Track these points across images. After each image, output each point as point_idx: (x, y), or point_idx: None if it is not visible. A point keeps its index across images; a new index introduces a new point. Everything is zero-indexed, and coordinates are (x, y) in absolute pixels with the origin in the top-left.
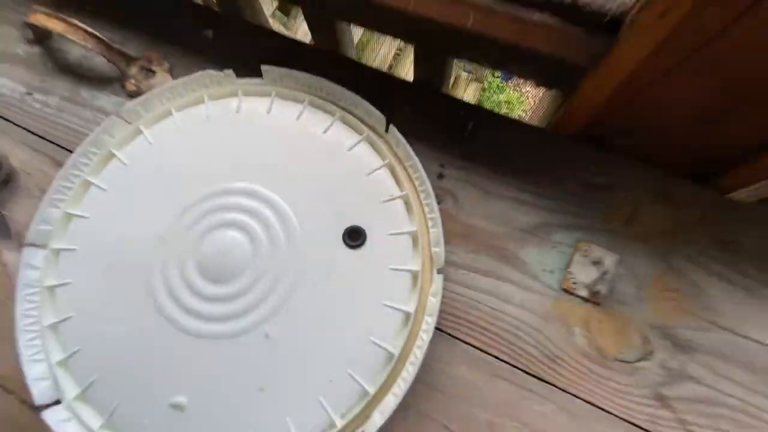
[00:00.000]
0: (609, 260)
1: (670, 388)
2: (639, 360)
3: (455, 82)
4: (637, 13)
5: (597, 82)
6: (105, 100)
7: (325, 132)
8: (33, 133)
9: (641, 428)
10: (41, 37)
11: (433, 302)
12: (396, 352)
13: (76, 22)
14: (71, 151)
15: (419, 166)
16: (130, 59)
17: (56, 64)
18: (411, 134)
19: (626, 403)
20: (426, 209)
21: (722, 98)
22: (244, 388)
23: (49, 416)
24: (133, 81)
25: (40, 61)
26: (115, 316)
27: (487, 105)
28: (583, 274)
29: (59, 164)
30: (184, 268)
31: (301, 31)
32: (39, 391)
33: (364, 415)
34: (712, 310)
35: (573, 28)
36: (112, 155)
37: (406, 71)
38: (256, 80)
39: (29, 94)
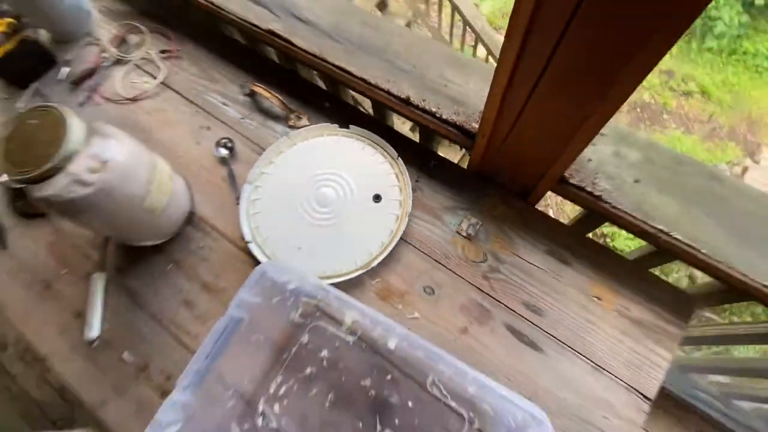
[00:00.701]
0: (476, 223)
1: (491, 275)
2: (481, 263)
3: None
4: (478, 132)
5: (474, 151)
6: (279, 128)
7: (372, 156)
8: (246, 137)
9: (475, 286)
10: (251, 93)
11: (403, 227)
12: (387, 242)
13: (269, 90)
14: (264, 148)
15: (407, 176)
16: (290, 110)
17: (256, 106)
18: (405, 161)
19: (473, 277)
20: (408, 193)
21: (513, 164)
22: (329, 241)
23: (251, 246)
24: (291, 121)
25: (249, 104)
26: (278, 214)
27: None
28: (465, 226)
29: (258, 153)
30: (310, 199)
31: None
32: (245, 237)
33: (373, 260)
34: (515, 248)
35: (456, 131)
36: (281, 152)
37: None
38: (347, 130)
39: (243, 119)
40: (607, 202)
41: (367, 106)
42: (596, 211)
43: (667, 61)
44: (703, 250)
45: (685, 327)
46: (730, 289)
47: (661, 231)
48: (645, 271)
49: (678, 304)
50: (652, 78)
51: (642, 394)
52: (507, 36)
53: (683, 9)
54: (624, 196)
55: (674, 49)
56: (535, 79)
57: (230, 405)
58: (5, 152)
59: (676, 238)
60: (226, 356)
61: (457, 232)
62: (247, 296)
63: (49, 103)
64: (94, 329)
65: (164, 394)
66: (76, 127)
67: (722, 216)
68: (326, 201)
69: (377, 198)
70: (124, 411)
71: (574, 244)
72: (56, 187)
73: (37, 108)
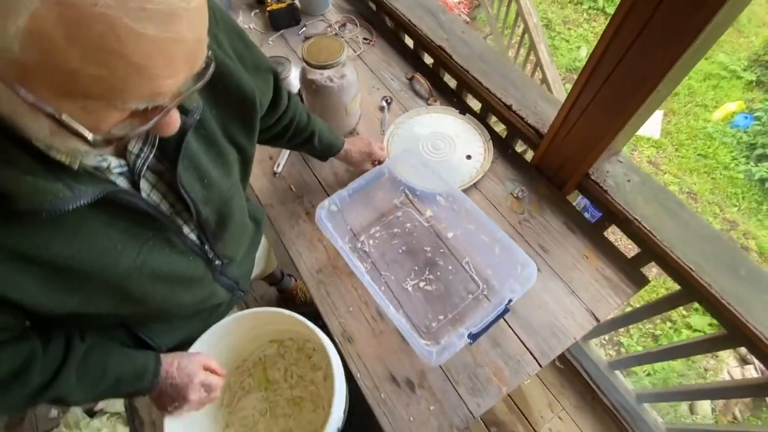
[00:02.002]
0: (524, 191)
1: (524, 222)
2: (520, 214)
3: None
4: (546, 135)
5: (539, 149)
6: (420, 102)
7: (473, 134)
8: (399, 101)
9: (512, 225)
10: (411, 78)
11: (478, 177)
12: (467, 182)
13: (423, 78)
14: (407, 110)
15: (492, 152)
16: (431, 95)
17: (411, 86)
18: (493, 145)
19: (512, 219)
20: (488, 161)
21: (559, 161)
22: (434, 170)
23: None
24: (429, 101)
25: (408, 84)
26: (404, 146)
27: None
28: (516, 191)
29: (403, 112)
30: (427, 144)
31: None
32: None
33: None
34: (543, 213)
35: (533, 131)
36: (418, 114)
37: None
38: (462, 116)
39: (401, 90)
40: (608, 194)
41: (475, 106)
42: (600, 202)
43: (734, 212)
44: (664, 242)
45: (634, 292)
46: (684, 288)
47: (636, 219)
48: (614, 248)
49: (636, 278)
50: (715, 222)
51: (594, 315)
52: (578, 79)
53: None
54: (620, 194)
55: (743, 204)
56: (587, 102)
57: (345, 231)
58: (307, 51)
59: (643, 225)
60: (350, 207)
61: (511, 193)
62: (375, 179)
63: (336, 35)
64: (280, 167)
65: (307, 214)
66: (344, 52)
67: (684, 225)
68: (437, 147)
69: (469, 157)
70: (282, 215)
71: (582, 225)
72: (323, 77)
73: (328, 35)
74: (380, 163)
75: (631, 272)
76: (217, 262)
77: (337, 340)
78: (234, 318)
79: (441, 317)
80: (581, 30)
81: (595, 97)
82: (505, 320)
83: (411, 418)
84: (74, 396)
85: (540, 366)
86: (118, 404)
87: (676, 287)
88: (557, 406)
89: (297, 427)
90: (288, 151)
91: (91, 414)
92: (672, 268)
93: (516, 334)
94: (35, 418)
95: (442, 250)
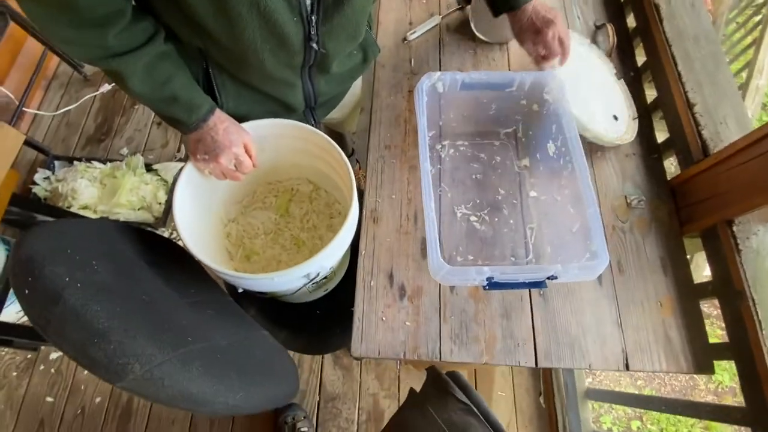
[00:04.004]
0: (642, 203)
1: (619, 232)
2: (623, 223)
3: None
4: (712, 154)
5: (689, 169)
6: (598, 51)
7: (627, 106)
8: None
9: (604, 227)
10: (601, 25)
11: (613, 146)
12: (605, 140)
13: (613, 31)
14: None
15: (634, 135)
16: (611, 52)
17: (593, 34)
18: (639, 135)
19: (609, 222)
20: (627, 138)
21: (702, 195)
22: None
23: None
24: (606, 53)
25: (591, 33)
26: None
27: None
28: (634, 199)
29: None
30: (585, 89)
31: None
32: None
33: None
34: (645, 237)
35: (698, 141)
36: (590, 55)
37: None
38: (624, 84)
39: (580, 35)
40: (740, 255)
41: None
42: (722, 261)
43: None
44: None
45: (688, 372)
46: None
47: (752, 297)
48: (701, 321)
49: (701, 361)
50: None
51: (627, 360)
52: None
53: None
54: (751, 262)
55: None
56: None
57: (434, 123)
58: None
59: (755, 309)
60: (454, 99)
61: (625, 196)
62: (502, 84)
63: None
64: (414, 35)
65: (409, 92)
66: None
67: None
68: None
69: (616, 117)
70: (386, 80)
71: (679, 275)
72: None
73: None
74: (548, 53)
75: (700, 353)
76: (314, 45)
77: (364, 213)
78: (292, 124)
79: (471, 257)
80: None
81: None
82: (529, 299)
83: (383, 318)
84: (133, 81)
85: (535, 365)
86: (170, 174)
87: (734, 405)
88: (514, 429)
89: (286, 261)
90: (433, 23)
91: (149, 169)
92: (752, 378)
93: (532, 320)
94: (111, 146)
95: (514, 202)
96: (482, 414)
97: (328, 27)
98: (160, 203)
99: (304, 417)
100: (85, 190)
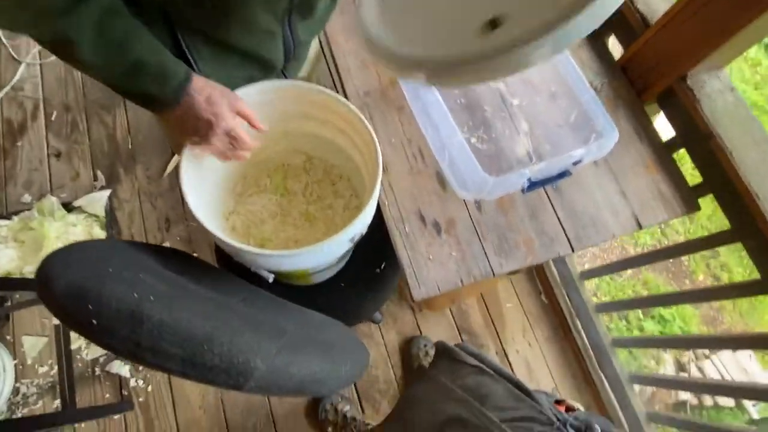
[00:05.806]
0: (603, 83)
1: None
2: None
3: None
4: (654, 24)
5: (632, 45)
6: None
7: None
8: None
9: None
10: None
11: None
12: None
13: None
14: None
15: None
16: None
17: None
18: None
19: None
20: None
21: (653, 61)
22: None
23: None
24: None
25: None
26: None
27: None
28: (597, 82)
29: None
30: None
31: None
32: None
33: None
34: (616, 110)
35: (638, 16)
36: None
37: None
38: None
39: None
40: (698, 104)
41: None
42: (685, 112)
43: None
44: (739, 166)
45: (683, 213)
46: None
47: (718, 135)
48: (679, 171)
49: (689, 202)
50: None
51: (638, 220)
52: None
53: None
54: (709, 108)
55: None
56: None
57: None
58: None
59: (724, 144)
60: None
61: (591, 82)
62: None
63: None
64: None
65: None
66: None
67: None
68: None
69: None
70: (339, 22)
71: (651, 137)
72: None
73: None
74: None
75: (687, 195)
76: None
77: None
78: (289, 84)
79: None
80: None
81: None
82: (547, 196)
83: (431, 257)
84: (85, 49)
85: (572, 250)
86: (98, 207)
87: (719, 229)
88: (530, 334)
89: (303, 238)
90: None
91: (69, 208)
92: (734, 199)
93: (556, 213)
94: (6, 198)
95: (503, 114)
96: (494, 370)
97: None
98: None
99: (342, 398)
100: None
